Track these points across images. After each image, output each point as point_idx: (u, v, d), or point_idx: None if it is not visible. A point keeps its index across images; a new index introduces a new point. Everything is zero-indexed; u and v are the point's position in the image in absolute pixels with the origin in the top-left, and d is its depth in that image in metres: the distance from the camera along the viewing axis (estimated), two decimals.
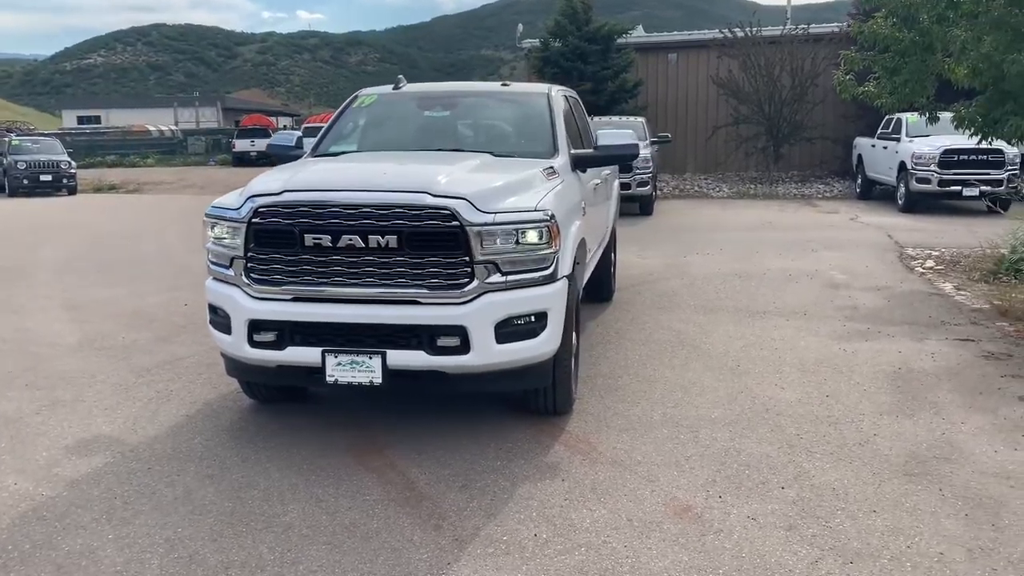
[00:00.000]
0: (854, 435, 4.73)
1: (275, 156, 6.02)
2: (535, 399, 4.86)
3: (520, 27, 25.75)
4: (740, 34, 22.51)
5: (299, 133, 6.18)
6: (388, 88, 6.30)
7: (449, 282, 4.24)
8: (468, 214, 4.18)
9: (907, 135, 16.76)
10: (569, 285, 4.78)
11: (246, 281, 4.44)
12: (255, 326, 4.43)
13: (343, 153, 5.72)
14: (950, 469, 4.27)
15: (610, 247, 8.08)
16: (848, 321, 7.49)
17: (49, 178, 23.33)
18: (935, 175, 15.75)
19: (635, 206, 16.83)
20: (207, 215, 4.61)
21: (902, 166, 16.49)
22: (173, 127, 53.41)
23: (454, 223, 4.17)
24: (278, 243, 4.35)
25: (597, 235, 6.49)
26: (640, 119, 18.50)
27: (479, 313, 4.23)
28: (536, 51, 24.24)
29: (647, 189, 16.42)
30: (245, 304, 4.44)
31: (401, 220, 4.20)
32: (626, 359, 6.29)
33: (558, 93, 6.07)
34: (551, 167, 5.14)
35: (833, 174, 22.82)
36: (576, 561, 3.38)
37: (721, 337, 6.95)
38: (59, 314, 8.05)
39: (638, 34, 25.40)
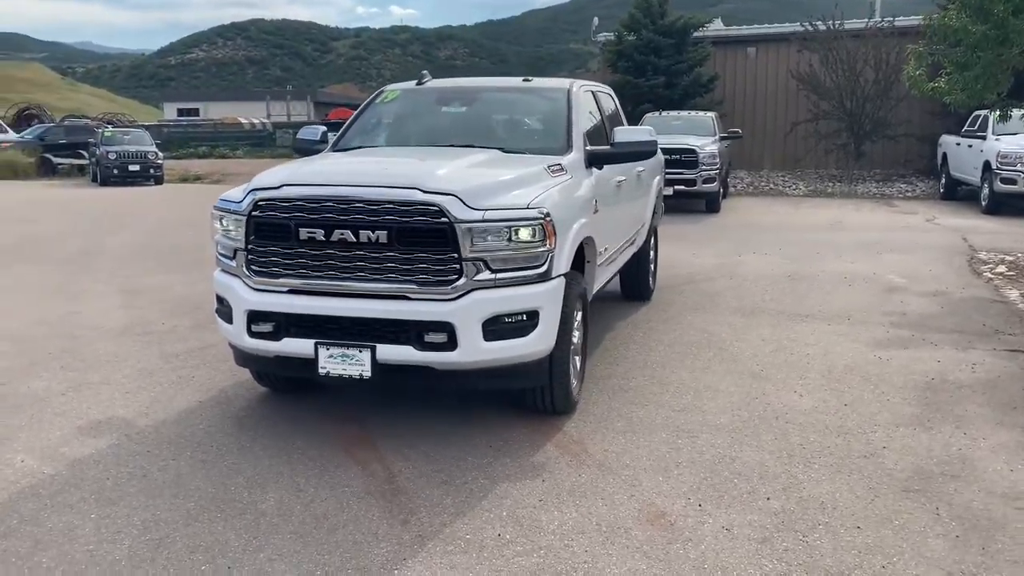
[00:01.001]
0: (861, 447, 4.55)
1: (299, 150, 6.13)
2: (532, 398, 4.83)
3: (596, 20, 25.54)
4: (822, 27, 21.80)
5: (324, 128, 6.28)
6: (412, 84, 6.35)
7: (437, 278, 4.24)
8: (457, 211, 4.17)
9: (993, 133, 15.95)
10: (568, 284, 4.73)
11: (246, 273, 4.54)
12: (254, 317, 4.53)
13: (359, 148, 5.78)
14: (955, 487, 4.06)
15: (647, 246, 7.94)
16: (893, 327, 7.19)
17: (137, 168, 24.32)
18: (1021, 176, 14.95)
19: (701, 203, 16.54)
20: (215, 208, 4.73)
21: (986, 166, 15.72)
22: (264, 120, 54.93)
23: (443, 219, 4.17)
24: (275, 236, 4.44)
25: (621, 233, 6.39)
26: (710, 115, 18.14)
27: (466, 310, 4.22)
28: (610, 45, 24.01)
29: (713, 186, 16.08)
30: (245, 295, 4.55)
31: (391, 216, 4.23)
32: (646, 360, 6.19)
33: (580, 89, 6.00)
34: (558, 164, 5.09)
35: (918, 173, 21.92)
36: (531, 564, 3.35)
37: (753, 340, 6.76)
38: (112, 299, 8.39)
39: (715, 27, 24.87)
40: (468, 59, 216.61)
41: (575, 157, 5.37)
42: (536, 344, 4.43)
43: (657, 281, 8.95)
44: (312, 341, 4.39)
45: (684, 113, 18.61)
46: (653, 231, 8.35)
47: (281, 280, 4.46)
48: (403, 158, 5.24)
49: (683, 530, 3.62)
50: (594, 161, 5.54)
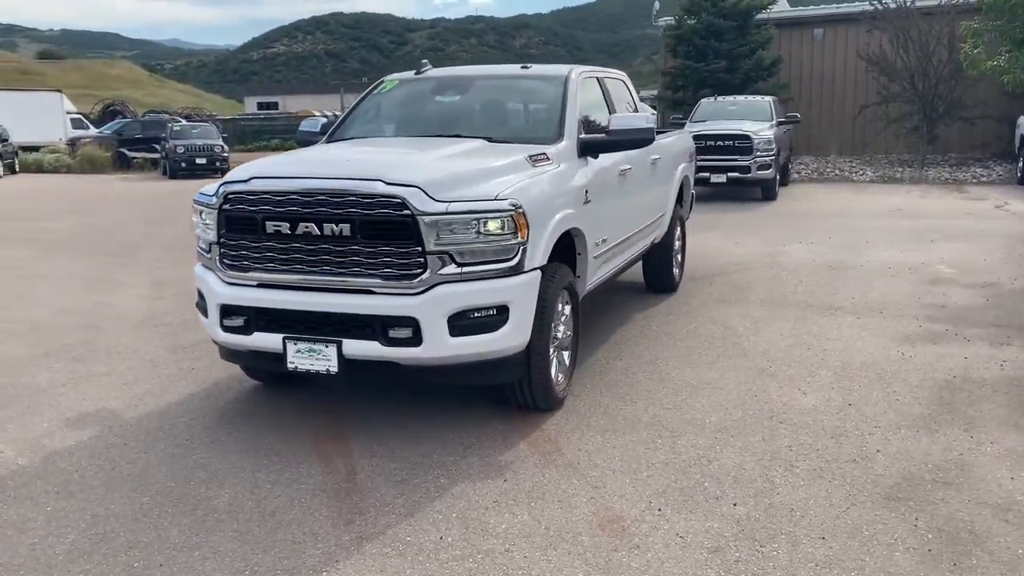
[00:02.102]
0: (853, 450, 4.29)
1: (300, 141, 6.12)
2: (512, 394, 4.70)
3: (657, 5, 25.03)
4: (892, 5, 20.89)
5: (324, 120, 6.25)
6: (411, 73, 6.26)
7: (401, 272, 4.15)
8: (419, 203, 4.07)
9: None
10: (548, 277, 4.58)
11: (219, 266, 4.53)
12: (226, 310, 4.52)
13: (350, 139, 5.73)
14: (943, 495, 3.78)
15: (670, 237, 7.70)
16: (927, 321, 6.81)
17: (204, 161, 24.95)
18: None
19: (757, 191, 16.07)
20: (194, 201, 4.74)
21: None
22: (338, 112, 55.72)
23: (405, 212, 4.07)
24: (245, 230, 4.41)
25: (628, 224, 6.19)
26: (768, 99, 17.59)
27: (431, 304, 4.12)
28: (670, 29, 23.53)
29: (768, 172, 15.58)
30: (217, 289, 4.54)
31: (354, 208, 4.15)
32: (652, 355, 5.99)
33: (580, 76, 5.81)
34: (542, 153, 4.93)
35: (995, 157, 20.87)
36: (465, 569, 3.24)
37: (770, 334, 6.49)
38: (142, 290, 8.57)
39: (779, 8, 24.07)
40: (543, 47, 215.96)
41: (565, 145, 5.20)
42: (507, 339, 4.30)
43: (687, 271, 8.72)
44: (281, 336, 4.35)
45: (740, 98, 18.09)
46: (679, 221, 8.09)
47: (251, 274, 4.43)
48: (379, 149, 5.17)
49: (634, 536, 3.45)
50: (587, 150, 5.36)
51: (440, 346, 4.16)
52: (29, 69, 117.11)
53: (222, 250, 4.50)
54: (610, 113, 6.13)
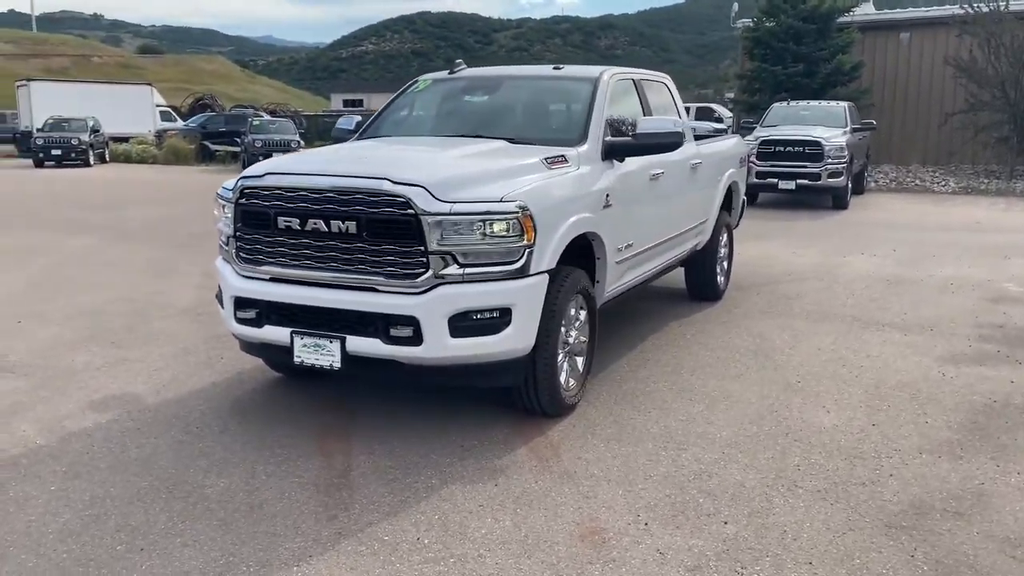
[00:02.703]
0: (864, 473, 4.10)
1: (335, 138, 6.19)
2: (519, 398, 4.66)
3: (735, 6, 24.56)
4: (984, 9, 20.00)
5: (359, 118, 6.31)
6: (444, 73, 6.27)
7: (404, 271, 4.16)
8: (423, 203, 4.06)
9: None
10: (559, 281, 4.53)
11: (235, 259, 4.62)
12: (239, 303, 4.61)
13: (377, 137, 5.77)
14: (951, 526, 3.58)
15: (714, 244, 7.53)
16: (978, 341, 6.49)
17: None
18: None
19: (828, 199, 15.61)
20: (217, 195, 4.84)
21: None
22: None
23: (409, 211, 4.08)
24: (258, 224, 4.48)
25: (660, 229, 6.07)
26: (843, 104, 17.07)
27: (431, 304, 4.11)
28: (748, 31, 23.05)
29: (840, 180, 15.12)
30: (232, 282, 4.63)
31: (360, 206, 4.18)
32: (678, 364, 5.86)
33: (613, 78, 5.72)
34: (560, 155, 4.87)
35: None
36: (435, 572, 3.21)
37: (807, 349, 6.28)
38: (195, 279, 8.81)
39: (864, 11, 23.30)
40: (628, 48, 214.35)
41: (587, 148, 5.12)
42: (509, 342, 4.26)
43: (735, 280, 8.53)
44: (288, 330, 4.41)
45: (814, 103, 17.61)
46: (725, 228, 7.91)
47: (264, 268, 4.50)
48: (397, 148, 5.18)
49: (612, 550, 3.37)
50: (612, 153, 5.27)
51: (440, 346, 4.15)
52: (130, 63, 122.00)
53: (238, 244, 4.59)
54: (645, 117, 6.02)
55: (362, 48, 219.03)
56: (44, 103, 33.07)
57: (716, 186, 7.45)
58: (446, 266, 4.11)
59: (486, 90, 6.01)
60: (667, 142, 5.25)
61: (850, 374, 5.69)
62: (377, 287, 4.22)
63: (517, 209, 4.19)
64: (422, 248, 4.10)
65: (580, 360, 5.00)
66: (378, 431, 4.58)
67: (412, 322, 4.14)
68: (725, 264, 8.10)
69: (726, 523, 3.60)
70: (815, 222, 13.73)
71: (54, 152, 27.42)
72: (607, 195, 5.07)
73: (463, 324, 4.16)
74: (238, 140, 28.77)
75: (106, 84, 40.43)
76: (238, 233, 4.58)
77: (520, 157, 4.77)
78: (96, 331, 6.70)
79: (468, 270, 4.14)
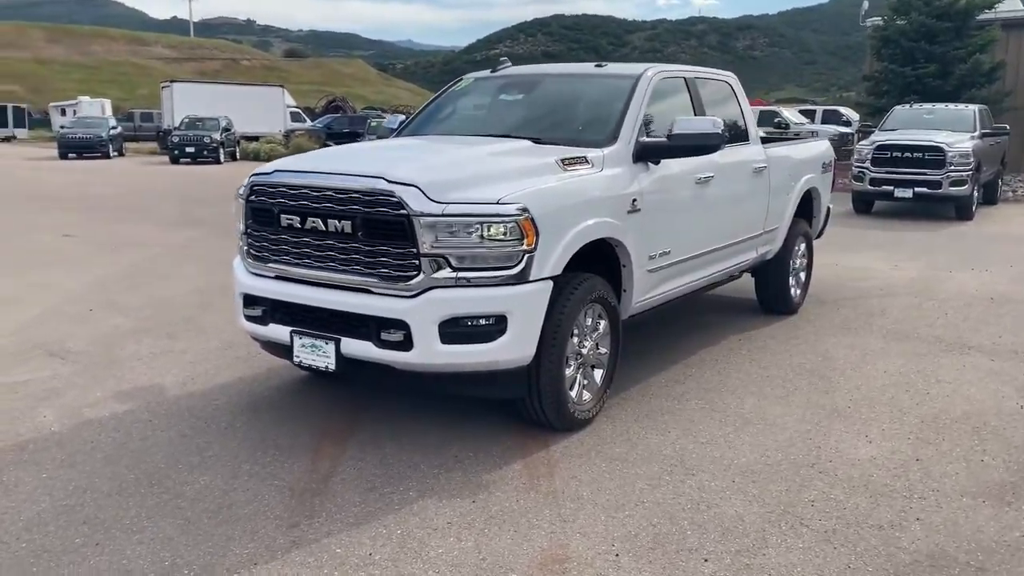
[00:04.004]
0: (887, 514, 3.67)
1: (379, 136, 6.14)
2: (523, 409, 4.45)
3: (865, 4, 23.27)
4: None
5: (403, 117, 6.23)
6: (487, 72, 6.11)
7: (397, 273, 4.02)
8: (416, 203, 3.92)
9: None
10: (568, 289, 4.30)
11: (245, 256, 4.62)
12: (247, 300, 4.60)
13: (409, 135, 5.68)
14: None
15: (786, 254, 7.05)
16: None
17: None
18: None
19: (949, 208, 14.56)
20: (236, 192, 4.85)
21: None
22: None
23: (401, 211, 3.94)
24: (265, 222, 4.46)
25: (707, 237, 5.70)
26: (973, 108, 15.85)
27: (422, 309, 3.96)
28: (876, 30, 21.80)
29: (964, 189, 14.05)
30: (241, 278, 4.64)
31: (356, 205, 4.07)
32: (720, 382, 5.49)
33: (656, 76, 5.39)
34: (580, 157, 4.62)
35: None
36: None
37: (871, 371, 5.77)
38: None
39: (1008, 8, 21.55)
40: (767, 49, 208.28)
41: (616, 149, 4.84)
42: (505, 352, 4.05)
43: (818, 293, 8.04)
44: (289, 329, 4.36)
45: (940, 106, 16.44)
46: (803, 238, 7.40)
47: (270, 265, 4.47)
48: (411, 146, 5.05)
49: None
50: (645, 154, 4.97)
51: (430, 353, 3.99)
52: (275, 66, 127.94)
53: (248, 240, 4.58)
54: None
55: (495, 51, 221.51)
56: (184, 103, 35.05)
57: (789, 192, 6.97)
58: (439, 269, 3.95)
59: (522, 89, 5.81)
60: (703, 144, 4.91)
61: (911, 401, 5.17)
62: (371, 289, 4.11)
63: (517, 212, 3.98)
64: (414, 250, 3.95)
65: (599, 373, 4.73)
66: (378, 436, 4.47)
67: (402, 326, 4.00)
68: (802, 276, 7.59)
69: (706, 560, 3.28)
70: (930, 233, 12.79)
71: (188, 149, 28.95)
72: (634, 199, 4.78)
73: (454, 330, 3.99)
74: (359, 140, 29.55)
75: (241, 85, 42.48)
76: (248, 230, 4.57)
77: (536, 157, 4.56)
78: (157, 322, 6.90)
79: (462, 274, 3.97)
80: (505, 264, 4.01)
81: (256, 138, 33.63)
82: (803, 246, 7.50)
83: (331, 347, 4.19)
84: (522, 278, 4.04)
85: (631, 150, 4.91)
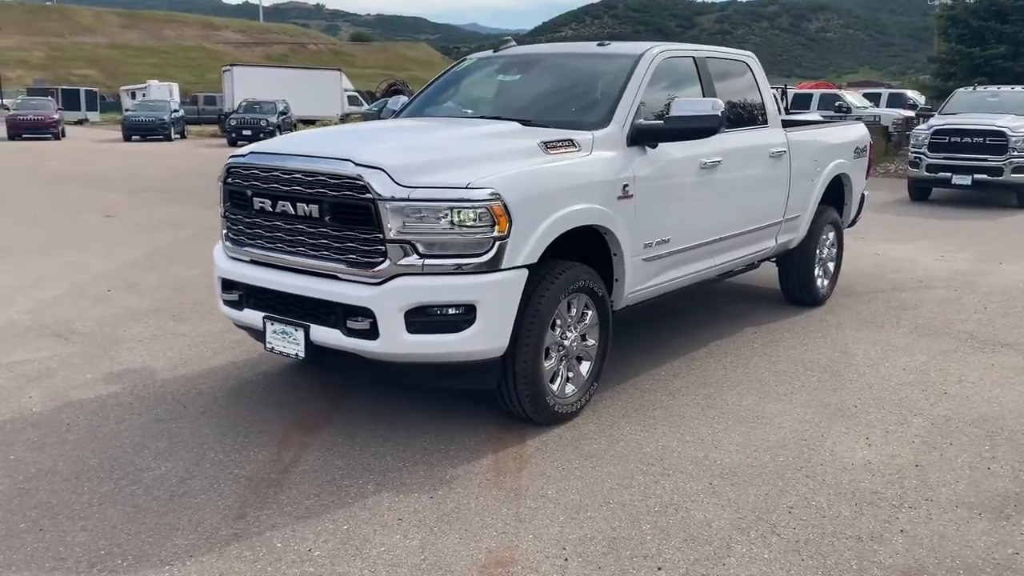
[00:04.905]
0: (870, 524, 3.43)
1: (381, 118, 6.02)
2: (501, 402, 4.30)
3: None
4: None
5: (405, 99, 6.10)
6: (490, 52, 5.92)
7: (364, 259, 3.90)
8: (383, 187, 3.78)
9: None
10: (547, 277, 4.12)
11: (223, 239, 4.55)
12: (225, 284, 4.53)
13: (404, 117, 5.54)
14: None
15: (811, 243, 6.73)
16: None
17: None
18: None
19: (1012, 196, 13.86)
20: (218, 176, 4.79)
21: None
22: None
23: (367, 195, 3.81)
24: (240, 205, 4.38)
25: (715, 225, 5.44)
26: None
27: (386, 297, 3.83)
28: (943, 9, 20.88)
29: None
30: (219, 262, 4.57)
31: (323, 188, 3.96)
32: (722, 376, 5.25)
33: (659, 56, 5.13)
34: (566, 140, 4.42)
35: None
36: None
37: (889, 368, 5.46)
38: None
39: None
40: (841, 31, 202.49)
41: (609, 132, 4.63)
42: (474, 342, 3.90)
43: (849, 284, 7.73)
44: (262, 315, 4.28)
45: (1006, 88, 15.66)
46: (831, 226, 7.07)
47: (245, 249, 4.40)
48: (392, 128, 4.90)
49: None
50: (641, 138, 4.74)
51: (396, 342, 3.86)
52: (341, 50, 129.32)
53: (226, 223, 4.51)
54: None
55: (561, 34, 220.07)
56: (244, 86, 35.59)
57: (814, 178, 6.64)
58: (406, 256, 3.81)
59: (520, 69, 5.60)
60: (701, 127, 4.65)
61: (924, 401, 4.86)
62: (339, 275, 3.99)
63: (489, 197, 3.82)
64: (380, 235, 3.82)
65: (585, 365, 4.55)
66: (353, 425, 4.37)
67: (368, 314, 3.88)
68: (830, 266, 7.25)
69: (659, 569, 3.09)
70: (985, 222, 12.19)
71: (244, 132, 29.35)
72: (625, 185, 4.56)
73: (421, 320, 3.85)
74: None
75: (299, 69, 42.98)
76: (226, 213, 4.50)
77: (518, 140, 4.38)
78: (168, 303, 6.92)
79: (429, 261, 3.82)
80: (475, 251, 3.85)
81: (313, 121, 33.91)
82: (832, 235, 7.16)
83: (301, 334, 4.09)
84: (493, 266, 3.88)
85: (625, 133, 4.69)
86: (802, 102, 25.51)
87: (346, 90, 41.02)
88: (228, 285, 4.50)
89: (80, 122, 49.63)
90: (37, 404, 4.65)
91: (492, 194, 3.82)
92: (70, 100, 51.31)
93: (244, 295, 4.42)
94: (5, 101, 46.86)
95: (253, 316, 4.35)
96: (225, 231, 4.53)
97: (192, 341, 5.86)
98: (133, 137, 32.45)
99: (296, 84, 36.55)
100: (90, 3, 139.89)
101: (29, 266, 8.35)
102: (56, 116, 33.45)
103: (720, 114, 4.64)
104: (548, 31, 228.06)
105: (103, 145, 30.60)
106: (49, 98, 38.51)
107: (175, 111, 34.77)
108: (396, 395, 4.75)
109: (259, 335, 4.38)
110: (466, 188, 3.81)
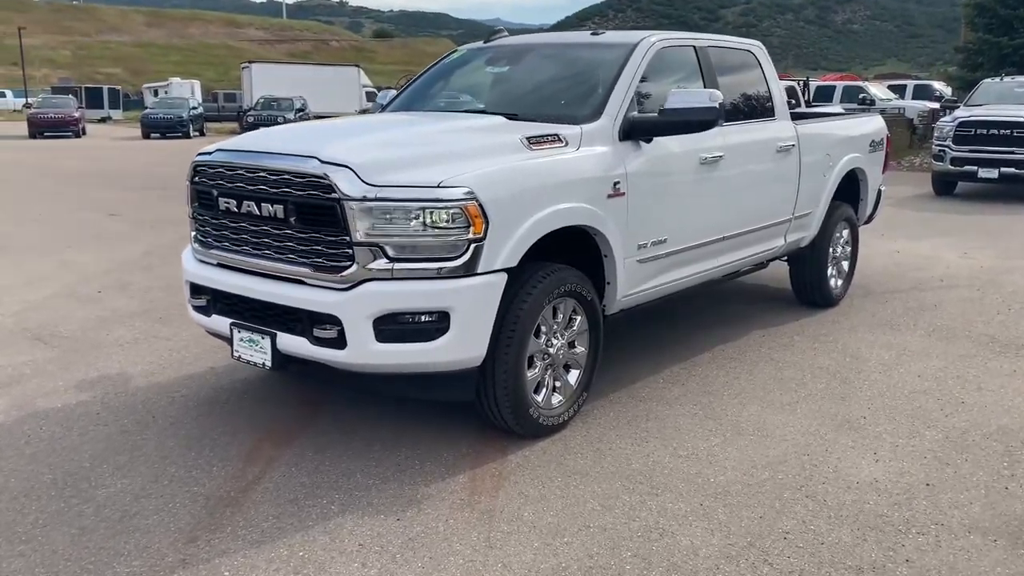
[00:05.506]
0: (873, 553, 3.14)
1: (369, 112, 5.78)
2: (482, 412, 4.04)
3: None
4: None
5: (394, 92, 5.84)
6: (480, 43, 5.65)
7: (330, 263, 3.66)
8: (348, 186, 3.54)
9: None
10: (529, 281, 3.86)
11: (192, 241, 4.34)
12: (192, 289, 4.32)
13: (389, 111, 5.29)
14: None
15: (823, 241, 6.42)
16: None
17: None
18: None
19: None
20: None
21: None
22: None
23: (332, 195, 3.56)
24: (207, 205, 4.15)
25: (718, 223, 5.15)
26: None
27: (354, 303, 3.58)
28: None
29: None
30: (187, 265, 4.36)
31: (288, 188, 3.72)
32: (725, 384, 4.96)
33: (655, 45, 4.83)
34: (551, 135, 4.15)
35: None
36: None
37: (903, 375, 5.14)
38: None
39: None
40: (868, 22, 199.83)
41: (599, 126, 4.35)
42: (448, 352, 3.64)
43: (866, 283, 7.42)
44: (229, 321, 4.06)
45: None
46: (845, 223, 6.74)
47: (212, 252, 4.17)
48: (367, 124, 4.66)
49: None
50: (635, 132, 4.46)
51: (365, 352, 3.62)
52: (363, 47, 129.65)
53: (195, 225, 4.29)
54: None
55: (584, 29, 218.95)
56: (262, 83, 35.57)
57: (826, 173, 6.31)
58: (374, 259, 3.57)
59: (509, 60, 5.32)
60: (698, 119, 4.36)
61: (939, 412, 4.55)
62: (305, 280, 3.75)
63: (462, 196, 3.56)
64: (347, 238, 3.57)
65: (574, 374, 4.28)
66: (327, 437, 4.13)
67: (335, 322, 3.64)
68: (844, 265, 6.93)
69: None
70: (1013, 218, 11.74)
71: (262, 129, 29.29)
72: (616, 183, 4.28)
73: (390, 328, 3.60)
74: None
75: (317, 65, 42.93)
76: (194, 214, 4.27)
77: (500, 135, 4.12)
78: (156, 305, 6.73)
79: (399, 265, 3.57)
80: (448, 254, 3.59)
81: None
82: (846, 232, 6.83)
83: (267, 342, 3.86)
84: (468, 270, 3.62)
85: (617, 127, 4.41)
86: (825, 95, 25.00)
87: (364, 86, 40.89)
88: (196, 289, 4.28)
89: (103, 120, 49.94)
90: (1, 414, 4.46)
91: (467, 193, 3.56)
92: (93, 98, 51.68)
93: (211, 300, 4.20)
94: (29, 100, 47.15)
95: (221, 322, 4.12)
96: (194, 233, 4.31)
97: (175, 345, 5.66)
98: (152, 135, 32.51)
99: (314, 80, 36.48)
100: (116, 2, 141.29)
101: (25, 266, 8.21)
102: (76, 114, 33.60)
103: (718, 106, 4.35)
104: (571, 26, 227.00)
105: (122, 143, 30.68)
106: (70, 96, 38.69)
107: (194, 108, 34.80)
108: (379, 404, 4.51)
109: (229, 342, 4.15)
110: (438, 187, 3.55)
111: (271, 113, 30.14)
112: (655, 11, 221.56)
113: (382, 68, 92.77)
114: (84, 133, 33.89)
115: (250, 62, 39.58)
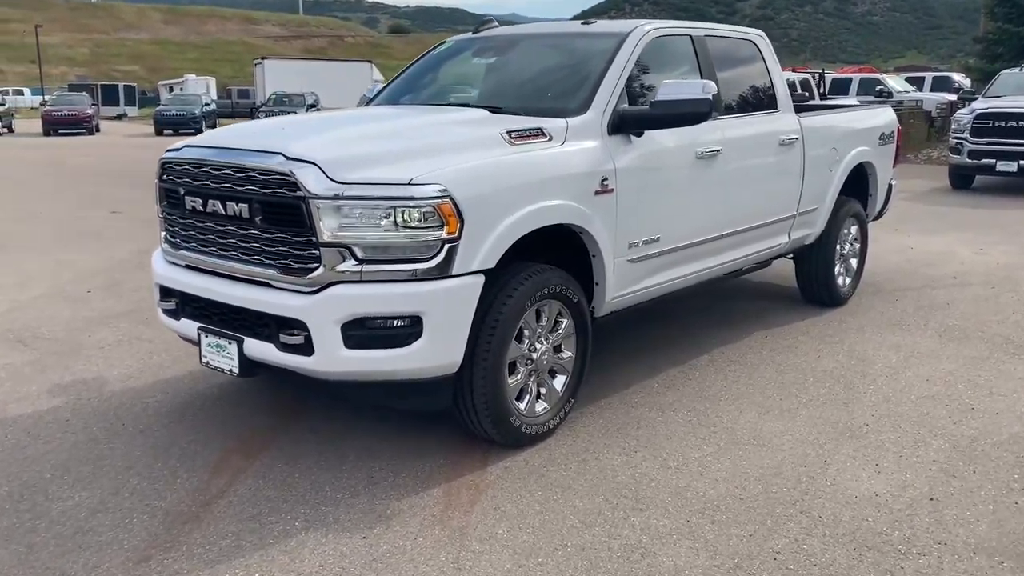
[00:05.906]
0: (870, 574, 2.92)
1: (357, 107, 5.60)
2: (460, 420, 3.85)
3: None
4: None
5: (381, 86, 5.65)
6: (469, 34, 5.45)
7: (297, 265, 3.47)
8: (314, 183, 3.35)
9: None
10: (510, 284, 3.66)
11: (162, 242, 4.17)
12: (162, 291, 4.14)
13: (372, 104, 5.11)
14: None
15: (830, 238, 6.18)
16: None
17: None
18: None
19: None
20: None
21: None
22: None
23: (297, 192, 3.38)
24: (175, 204, 3.98)
25: (716, 220, 4.93)
26: None
27: (321, 308, 3.40)
28: None
29: None
30: (155, 266, 4.19)
31: (253, 185, 3.53)
32: (721, 389, 4.74)
33: (647, 34, 4.61)
34: (535, 128, 3.94)
35: None
36: None
37: (911, 378, 4.91)
38: None
39: None
40: (888, 14, 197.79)
41: (586, 119, 4.14)
42: (422, 358, 3.45)
43: (875, 281, 7.19)
44: (197, 325, 3.88)
45: None
46: (854, 219, 6.49)
47: (180, 253, 4.00)
48: (340, 119, 4.45)
49: None
50: (625, 125, 4.24)
51: (332, 359, 3.43)
52: (379, 43, 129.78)
53: (164, 225, 4.12)
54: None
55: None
56: (274, 79, 35.51)
57: (832, 168, 6.07)
58: (342, 260, 3.38)
59: (497, 51, 5.12)
60: (690, 111, 4.14)
61: (947, 419, 4.31)
62: (272, 283, 3.57)
63: (435, 194, 3.36)
64: (313, 238, 3.39)
65: (560, 380, 4.08)
66: (299, 447, 3.95)
67: (302, 327, 3.45)
68: (852, 262, 6.68)
69: None
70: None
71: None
72: (604, 179, 4.07)
73: (359, 333, 3.41)
74: None
75: (329, 61, 42.85)
76: (163, 213, 4.10)
77: (480, 129, 3.92)
78: (143, 305, 6.57)
79: (368, 267, 3.38)
80: (421, 256, 3.40)
81: None
82: (854, 228, 6.58)
83: (234, 348, 3.68)
84: (442, 272, 3.42)
85: (606, 120, 4.19)
86: (841, 87, 24.63)
87: (377, 81, 40.71)
88: (166, 292, 4.11)
89: (119, 117, 50.12)
90: None
91: (440, 191, 3.36)
92: (109, 96, 51.88)
93: (180, 303, 4.02)
94: (46, 97, 47.39)
95: (189, 326, 3.95)
96: (163, 233, 4.13)
97: (155, 348, 5.50)
98: (165, 132, 32.50)
99: (327, 76, 36.35)
100: (133, 0, 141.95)
101: (18, 265, 8.09)
102: (90, 112, 33.66)
103: (711, 97, 4.12)
104: (587, 19, 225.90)
105: (135, 140, 30.70)
106: (84, 94, 38.80)
107: (206, 105, 34.78)
108: (358, 410, 4.32)
109: (198, 346, 3.98)
110: (408, 184, 3.36)
111: (283, 109, 30.02)
112: (672, 4, 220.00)
113: (398, 64, 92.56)
114: (98, 130, 33.96)
115: (263, 58, 39.57)
